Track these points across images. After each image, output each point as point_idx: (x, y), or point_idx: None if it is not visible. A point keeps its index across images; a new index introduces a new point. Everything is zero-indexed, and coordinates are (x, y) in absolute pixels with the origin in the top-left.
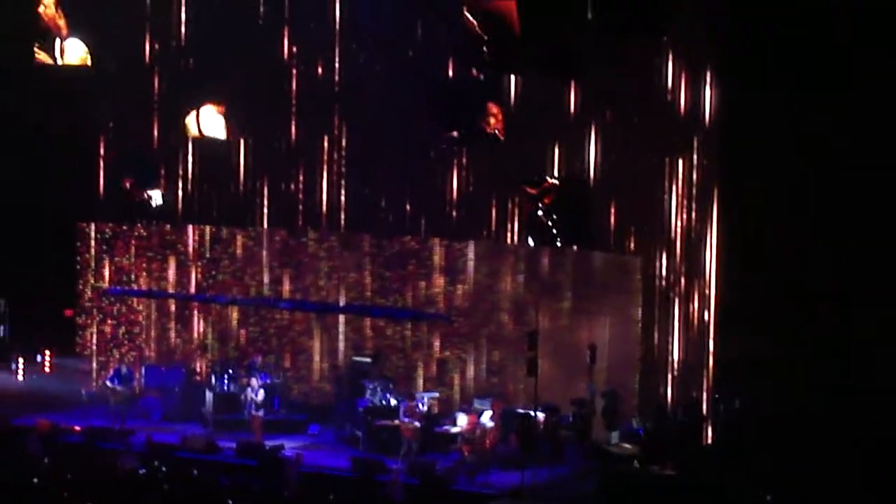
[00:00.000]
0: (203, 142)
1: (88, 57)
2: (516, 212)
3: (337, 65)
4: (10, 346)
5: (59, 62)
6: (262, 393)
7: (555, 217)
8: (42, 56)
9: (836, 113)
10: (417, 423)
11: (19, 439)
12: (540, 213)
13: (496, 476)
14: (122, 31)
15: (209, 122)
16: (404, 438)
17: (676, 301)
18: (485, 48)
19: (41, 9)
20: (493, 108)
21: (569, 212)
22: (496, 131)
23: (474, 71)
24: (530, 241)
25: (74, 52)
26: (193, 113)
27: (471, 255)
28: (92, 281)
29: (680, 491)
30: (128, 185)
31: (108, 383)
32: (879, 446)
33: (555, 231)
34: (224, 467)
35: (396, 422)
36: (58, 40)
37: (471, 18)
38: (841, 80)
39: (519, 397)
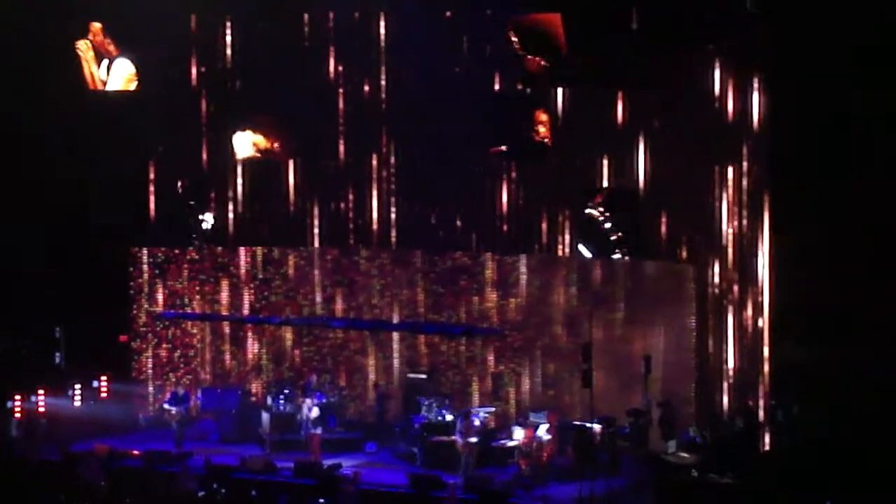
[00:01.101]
0: (252, 162)
1: (135, 79)
2: (567, 223)
3: (383, 83)
4: (66, 373)
5: (107, 84)
6: (316, 410)
7: (610, 222)
8: (92, 74)
9: (887, 116)
10: (473, 439)
11: (77, 465)
12: (589, 211)
13: (554, 489)
14: (168, 54)
15: (243, 144)
16: (461, 454)
17: (730, 308)
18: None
19: (90, 36)
20: (542, 116)
21: (620, 221)
22: (545, 140)
23: (520, 85)
24: (584, 252)
25: (122, 72)
26: (237, 135)
27: (523, 268)
28: (146, 305)
29: (738, 499)
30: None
31: (165, 405)
32: None
33: (610, 238)
34: (283, 487)
35: (453, 437)
36: (105, 61)
37: (514, 37)
38: (892, 83)
39: (575, 409)
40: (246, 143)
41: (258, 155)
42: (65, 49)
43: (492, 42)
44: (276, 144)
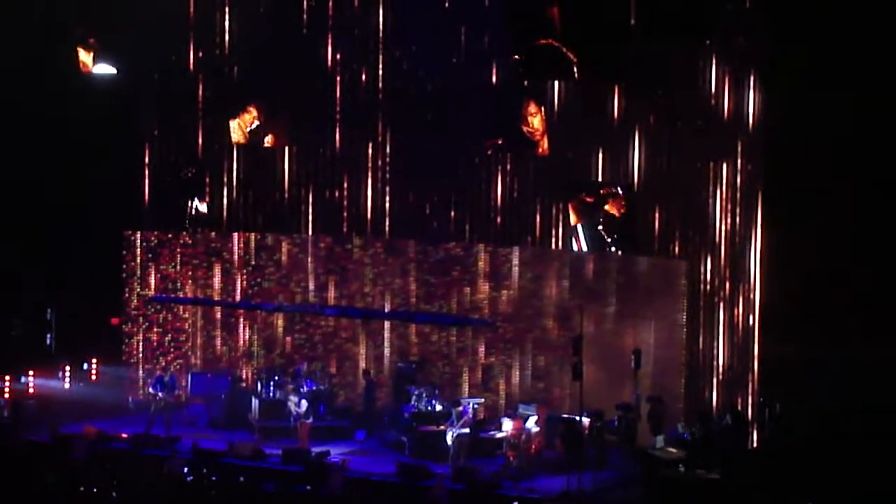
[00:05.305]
0: (247, 148)
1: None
2: (561, 217)
3: (381, 71)
4: (56, 355)
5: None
6: (304, 404)
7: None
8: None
9: (882, 116)
10: (463, 430)
11: (66, 446)
12: (600, 224)
13: (542, 481)
14: (166, 37)
15: (242, 129)
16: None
17: (721, 305)
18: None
19: None
20: (532, 108)
21: (614, 217)
22: (534, 133)
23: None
24: (576, 247)
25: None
26: (235, 121)
27: (515, 260)
28: (138, 289)
29: (725, 495)
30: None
31: (151, 390)
32: None
33: (609, 238)
34: (270, 473)
35: (442, 427)
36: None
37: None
38: (886, 83)
39: (564, 402)
40: (236, 129)
41: (243, 141)
42: (60, 33)
43: (489, 33)
44: (268, 132)
